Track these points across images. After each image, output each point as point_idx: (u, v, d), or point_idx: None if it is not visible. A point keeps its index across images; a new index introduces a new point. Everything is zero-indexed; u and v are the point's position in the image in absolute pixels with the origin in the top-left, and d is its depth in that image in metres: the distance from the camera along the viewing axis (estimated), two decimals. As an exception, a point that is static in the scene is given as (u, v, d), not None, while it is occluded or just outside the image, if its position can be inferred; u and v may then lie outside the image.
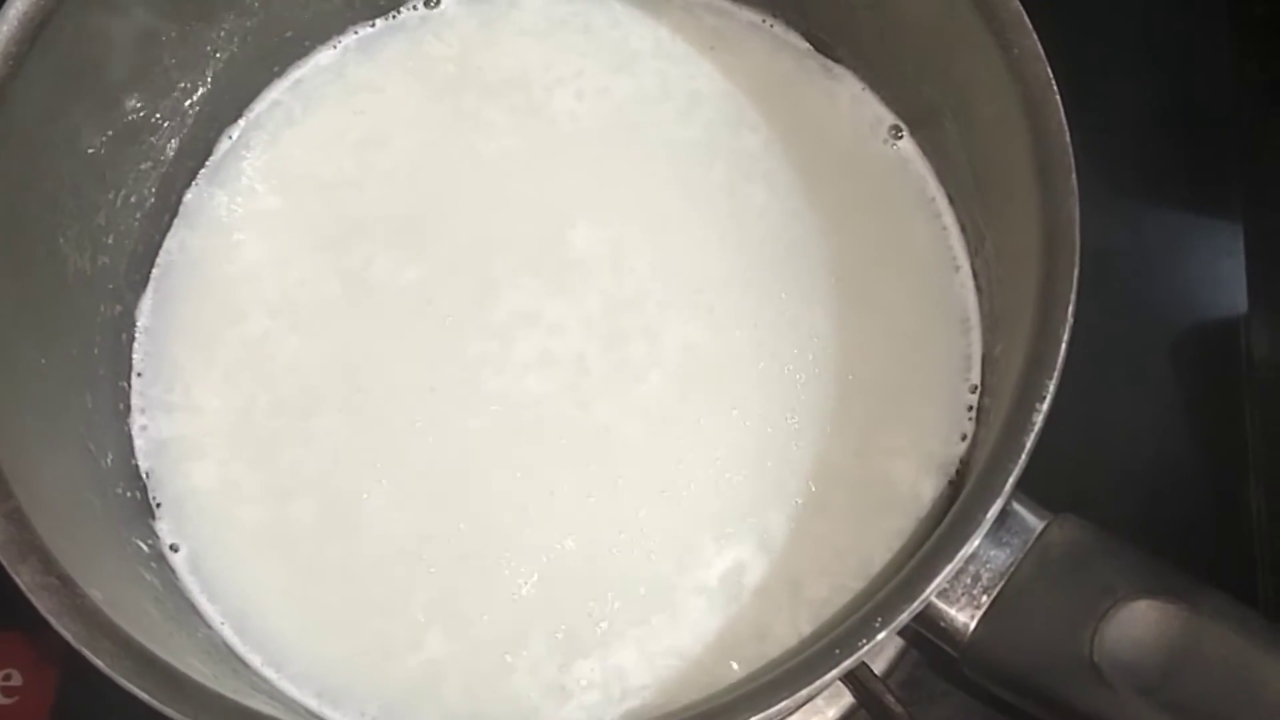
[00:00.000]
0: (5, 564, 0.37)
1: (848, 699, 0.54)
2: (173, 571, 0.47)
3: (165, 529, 0.47)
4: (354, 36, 0.53)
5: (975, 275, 0.49)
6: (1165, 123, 0.64)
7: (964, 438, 0.47)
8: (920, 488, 0.46)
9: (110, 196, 0.48)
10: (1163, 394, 0.61)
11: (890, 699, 0.49)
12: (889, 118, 0.51)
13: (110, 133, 0.47)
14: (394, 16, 0.54)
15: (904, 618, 0.37)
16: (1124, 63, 0.64)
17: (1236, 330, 0.61)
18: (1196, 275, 0.62)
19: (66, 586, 0.37)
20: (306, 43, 0.53)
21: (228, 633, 0.46)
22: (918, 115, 0.50)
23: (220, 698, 0.37)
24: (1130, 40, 0.65)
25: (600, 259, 0.50)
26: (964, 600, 0.40)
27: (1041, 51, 0.41)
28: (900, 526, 0.45)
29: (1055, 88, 0.40)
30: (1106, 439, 0.58)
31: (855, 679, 0.50)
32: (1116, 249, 0.61)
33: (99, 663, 0.36)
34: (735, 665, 0.44)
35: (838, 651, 0.36)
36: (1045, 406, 0.38)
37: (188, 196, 0.52)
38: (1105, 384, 0.57)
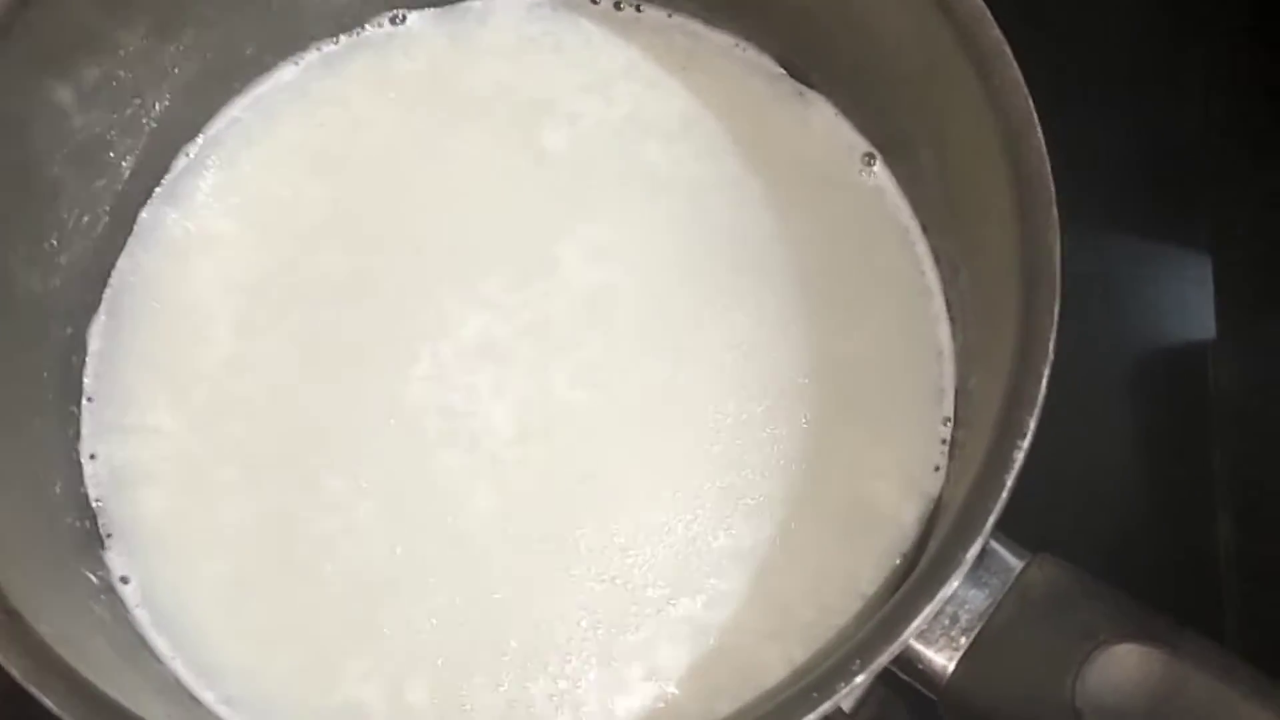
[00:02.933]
0: (-51, 599, 0.36)
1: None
2: (123, 604, 0.45)
3: (116, 560, 0.46)
4: (317, 53, 0.52)
5: (949, 306, 0.48)
6: (1134, 152, 0.64)
7: (937, 469, 0.46)
8: (901, 510, 0.45)
9: (63, 215, 0.46)
10: (1129, 424, 0.61)
11: (859, 737, 0.48)
12: (862, 145, 0.51)
13: (64, 149, 0.45)
14: (359, 33, 0.52)
15: (883, 660, 0.36)
16: (1094, 93, 0.64)
17: (1204, 358, 0.60)
18: (1164, 304, 0.62)
19: (14, 621, 0.36)
20: (268, 59, 0.52)
21: (179, 667, 0.45)
22: (892, 143, 0.50)
23: (172, 741, 0.35)
24: (1101, 71, 0.64)
25: (570, 282, 0.49)
26: (942, 641, 0.39)
27: (1023, 82, 0.40)
28: (884, 546, 0.45)
29: (1036, 120, 0.40)
30: (1071, 472, 0.58)
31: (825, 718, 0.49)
32: (1083, 276, 0.60)
33: (48, 702, 0.35)
34: (724, 698, 0.43)
35: (815, 695, 0.36)
36: (1026, 444, 0.37)
37: (142, 216, 0.50)
38: (1070, 414, 0.56)
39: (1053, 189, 0.39)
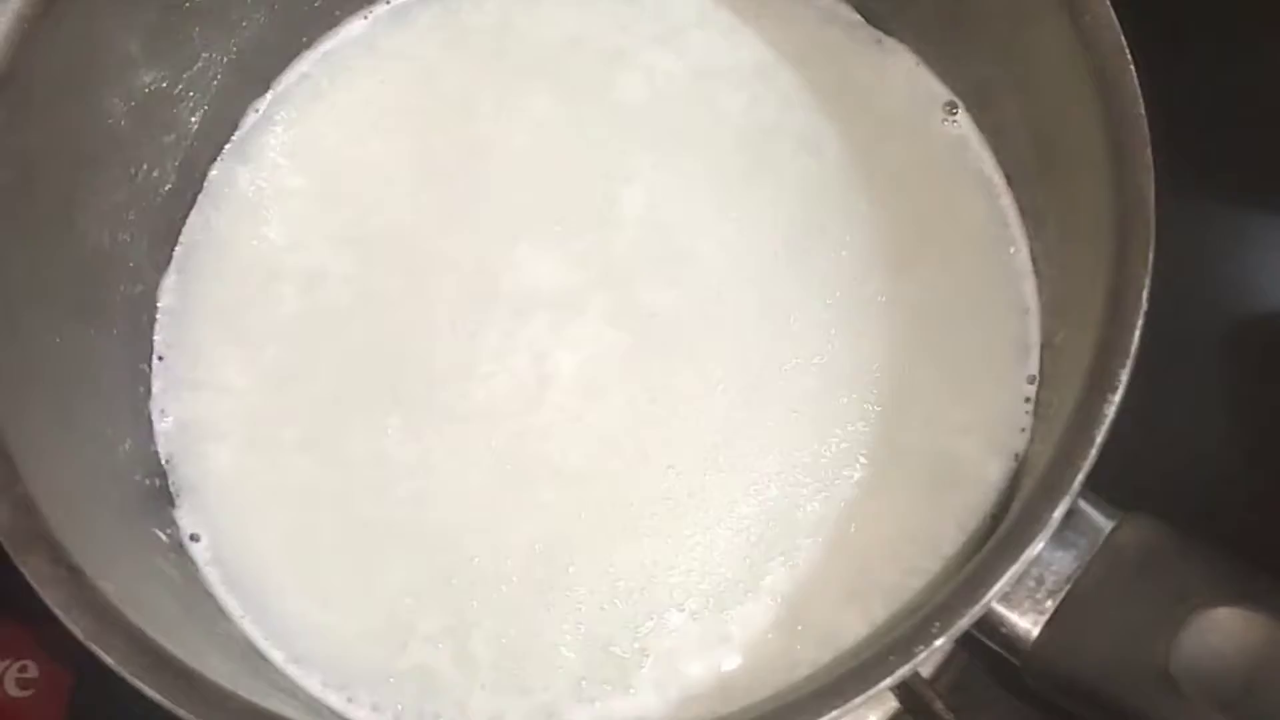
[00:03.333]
0: (11, 553, 0.35)
1: (892, 703, 0.52)
2: (193, 562, 0.45)
3: (185, 518, 0.46)
4: (386, 6, 0.51)
5: (1034, 259, 0.46)
6: (1229, 113, 0.61)
7: (1022, 430, 0.44)
8: (986, 470, 0.43)
9: (131, 171, 0.46)
10: (1226, 393, 0.58)
11: (939, 705, 0.46)
12: (944, 94, 0.49)
13: (131, 103, 0.45)
14: (428, -15, 0.52)
15: (963, 624, 0.34)
16: (1187, 50, 0.61)
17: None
18: (1263, 271, 0.59)
19: (76, 578, 0.35)
20: (337, 12, 0.51)
21: (248, 627, 0.44)
22: (975, 91, 0.48)
23: (234, 697, 0.35)
24: (1194, 27, 0.61)
25: (645, 233, 0.48)
26: (1027, 605, 0.37)
27: (1115, 19, 0.38)
28: (968, 507, 0.43)
29: (1130, 56, 0.38)
30: (1164, 437, 0.55)
31: (902, 684, 0.47)
32: (1178, 243, 0.58)
33: (108, 660, 0.35)
34: (804, 661, 0.42)
35: (892, 658, 0.34)
36: (1118, 397, 0.35)
37: (212, 173, 0.50)
38: (1162, 379, 0.54)
39: (1147, 130, 0.37)
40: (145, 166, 0.46)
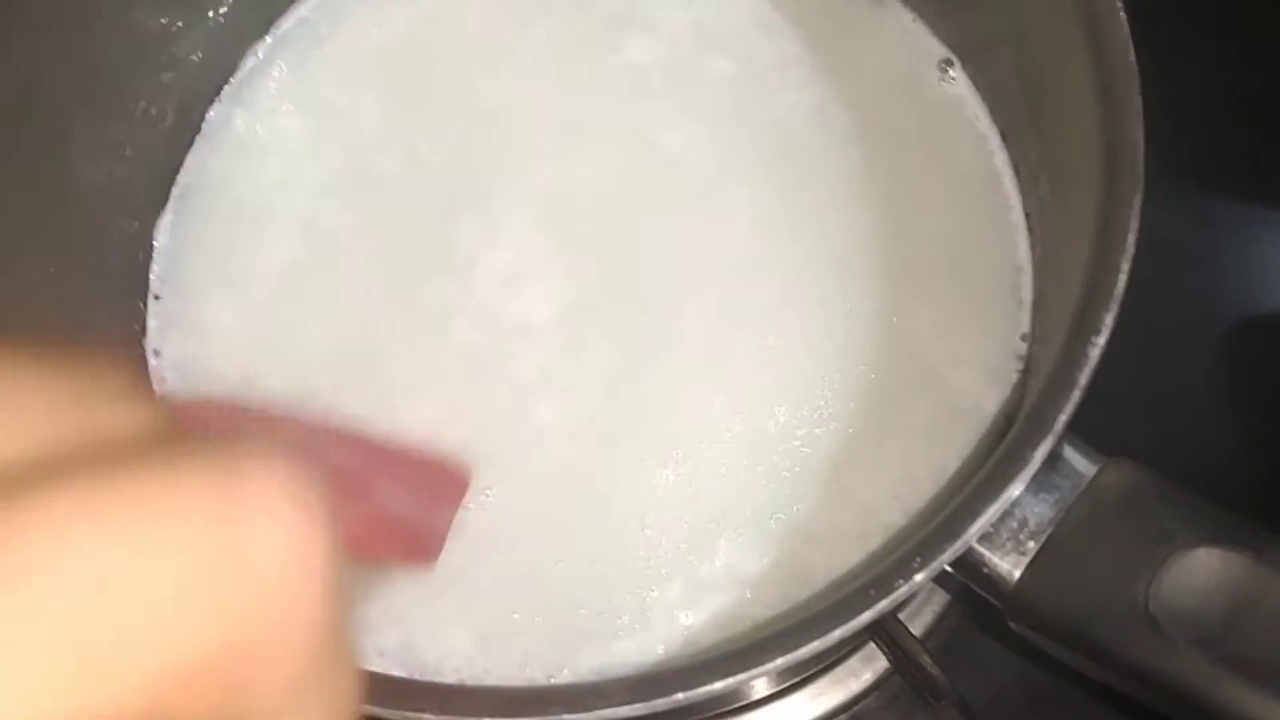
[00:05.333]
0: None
1: (882, 662, 0.52)
2: (182, 504, 0.45)
3: (178, 458, 0.45)
4: (388, -48, 0.51)
5: (1028, 217, 0.46)
6: (1229, 108, 0.61)
7: (1014, 385, 0.44)
8: (980, 418, 0.44)
9: (128, 107, 0.46)
10: (1216, 388, 0.58)
11: (926, 659, 0.46)
12: (940, 50, 0.49)
13: (129, 38, 0.45)
14: (431, -68, 0.52)
15: (943, 559, 0.34)
16: (1189, 42, 0.60)
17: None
18: (1256, 266, 0.59)
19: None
20: (338, -44, 0.51)
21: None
22: (970, 46, 0.48)
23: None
24: (1196, 20, 0.61)
25: (643, 188, 0.47)
26: (1009, 546, 0.37)
27: (1107, -34, 0.38)
28: (959, 452, 0.43)
29: (1120, 3, 0.38)
30: (1152, 434, 0.55)
31: (890, 638, 0.47)
32: (1173, 238, 0.58)
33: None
34: (804, 602, 0.42)
35: (872, 593, 0.34)
36: (1102, 340, 0.35)
37: (210, 114, 0.50)
38: (1156, 376, 0.54)
39: (1136, 73, 0.37)
40: (143, 104, 0.46)
